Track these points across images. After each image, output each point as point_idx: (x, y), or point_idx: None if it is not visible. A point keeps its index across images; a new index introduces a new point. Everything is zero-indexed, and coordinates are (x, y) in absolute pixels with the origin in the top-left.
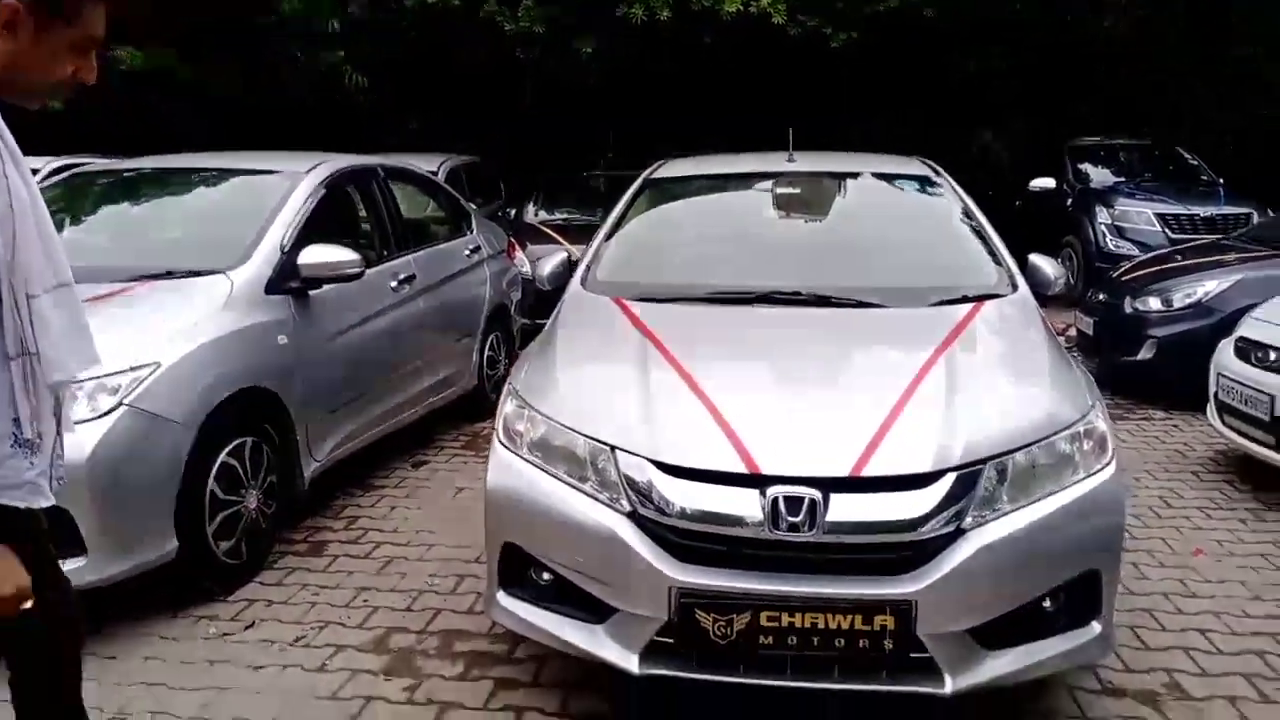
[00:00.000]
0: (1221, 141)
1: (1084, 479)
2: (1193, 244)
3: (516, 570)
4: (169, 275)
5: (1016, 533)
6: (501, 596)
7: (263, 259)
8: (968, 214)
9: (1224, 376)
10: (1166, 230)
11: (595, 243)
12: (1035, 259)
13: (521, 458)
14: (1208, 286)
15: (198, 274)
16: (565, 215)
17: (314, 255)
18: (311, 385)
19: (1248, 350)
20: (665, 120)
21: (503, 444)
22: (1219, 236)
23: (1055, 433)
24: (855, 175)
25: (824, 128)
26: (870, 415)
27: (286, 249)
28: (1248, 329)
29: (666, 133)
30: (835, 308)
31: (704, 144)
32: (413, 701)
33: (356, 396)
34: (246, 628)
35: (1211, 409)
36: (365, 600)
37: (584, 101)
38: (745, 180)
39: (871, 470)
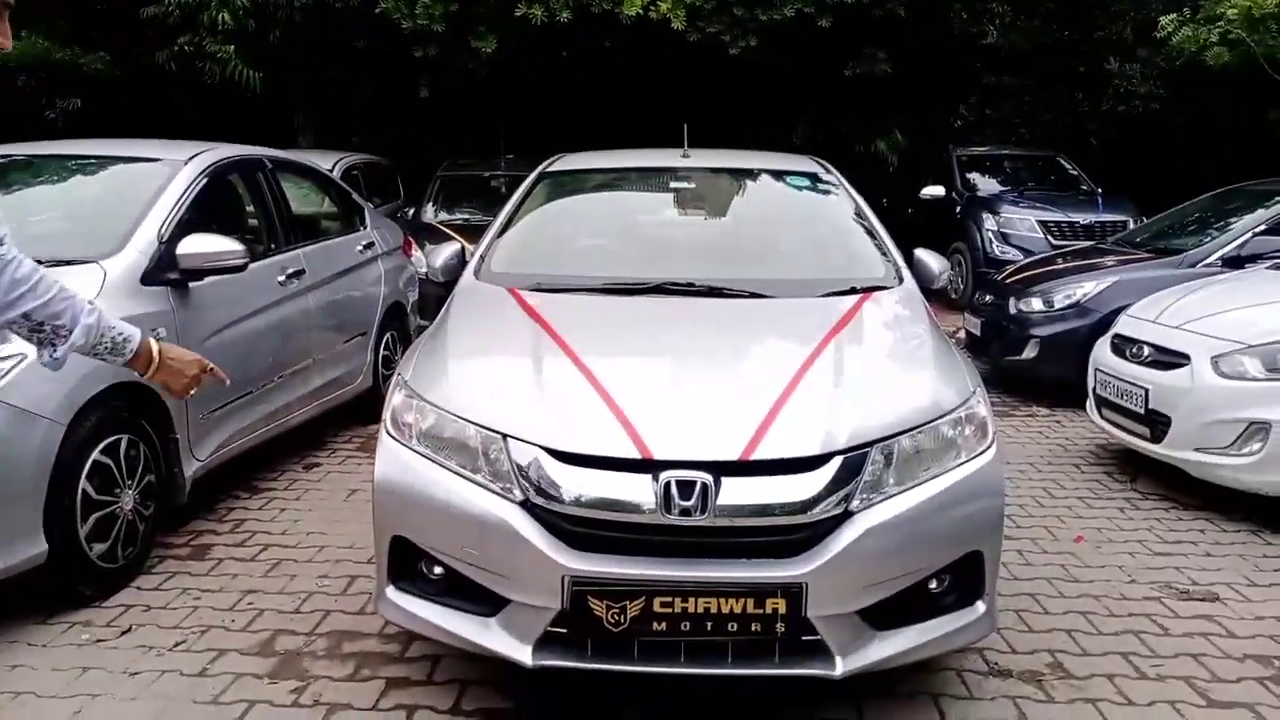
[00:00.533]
0: (1088, 143)
1: (966, 462)
2: (1072, 248)
3: (406, 564)
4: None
5: (902, 514)
6: (391, 591)
7: (139, 249)
8: (858, 211)
9: (1101, 372)
10: (1049, 236)
11: (489, 235)
12: (920, 254)
13: (410, 449)
14: (1086, 288)
15: (68, 263)
16: (465, 215)
17: (194, 245)
18: None
19: (1123, 346)
20: (563, 118)
21: (391, 435)
22: (1097, 241)
23: (938, 418)
24: (749, 171)
25: (720, 129)
26: (759, 401)
27: (165, 239)
28: (1123, 326)
29: (564, 130)
30: (727, 298)
31: (601, 142)
32: (299, 704)
33: (242, 395)
34: (122, 633)
35: (1090, 404)
36: (251, 603)
37: (482, 99)
38: (640, 174)
39: (761, 454)
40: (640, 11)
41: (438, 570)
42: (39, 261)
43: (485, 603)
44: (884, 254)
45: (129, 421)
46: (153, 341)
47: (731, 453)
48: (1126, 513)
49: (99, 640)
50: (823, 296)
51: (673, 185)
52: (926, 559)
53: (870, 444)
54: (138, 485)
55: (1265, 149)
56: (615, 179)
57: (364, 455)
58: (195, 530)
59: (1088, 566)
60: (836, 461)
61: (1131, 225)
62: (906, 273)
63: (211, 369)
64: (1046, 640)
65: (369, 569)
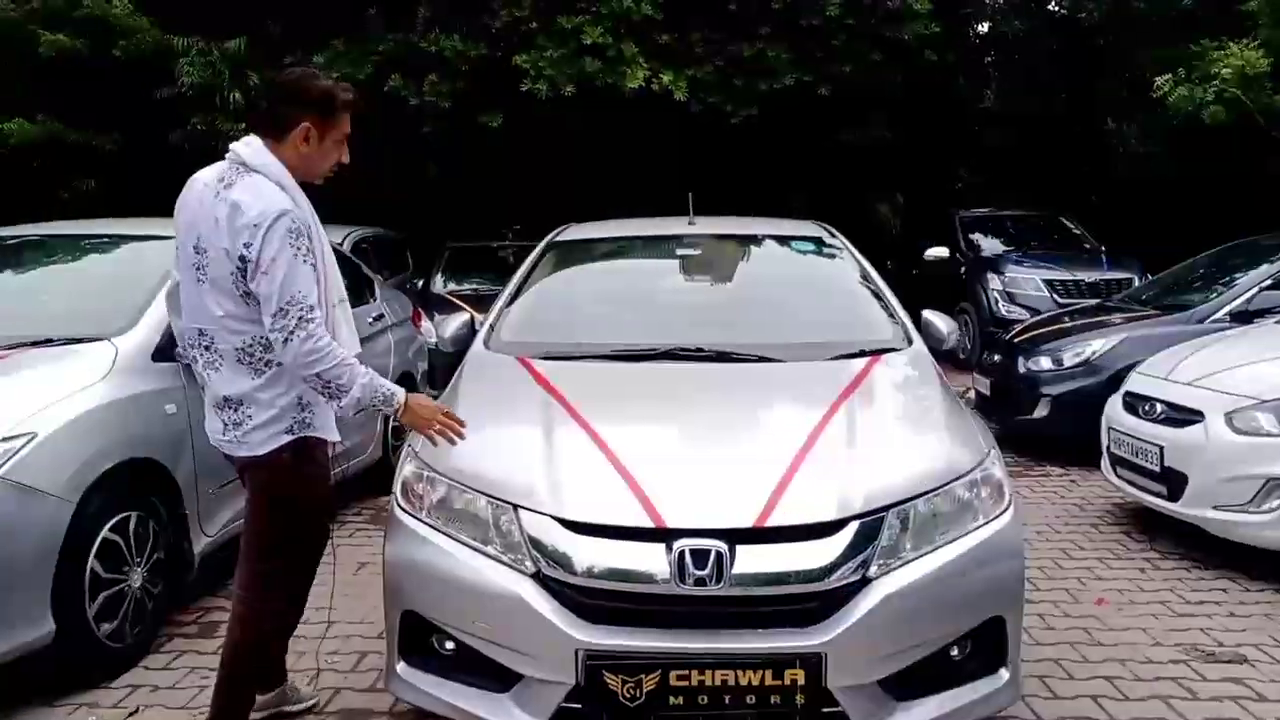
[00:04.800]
0: (1089, 201)
1: (984, 525)
2: (1079, 307)
3: (417, 639)
4: (49, 342)
5: (921, 580)
6: (401, 668)
7: (150, 325)
8: (863, 274)
9: (1115, 430)
10: (1054, 295)
11: (499, 304)
12: (929, 315)
13: (421, 521)
14: (1095, 345)
15: (80, 340)
16: (473, 285)
17: None
18: (203, 457)
19: (1135, 404)
20: (570, 189)
21: (401, 508)
22: (1103, 299)
23: (953, 480)
24: (754, 237)
25: (723, 196)
26: (773, 466)
27: None
28: (1134, 384)
29: (571, 201)
30: (736, 363)
31: (607, 212)
32: None
33: None
34: (129, 715)
35: (1105, 462)
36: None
37: (488, 173)
38: (648, 242)
39: (776, 520)
40: (642, 84)
41: (449, 645)
42: (50, 339)
43: (498, 678)
44: (891, 316)
45: (139, 498)
46: (405, 395)
47: (746, 520)
48: (1147, 573)
49: None
50: (832, 360)
51: (679, 252)
52: (948, 625)
53: (886, 508)
54: (146, 562)
55: (1266, 203)
56: (622, 247)
57: (374, 528)
58: (204, 607)
59: (1111, 629)
60: (853, 526)
61: (1137, 282)
62: (915, 334)
63: (449, 413)
64: (1073, 707)
65: (379, 644)
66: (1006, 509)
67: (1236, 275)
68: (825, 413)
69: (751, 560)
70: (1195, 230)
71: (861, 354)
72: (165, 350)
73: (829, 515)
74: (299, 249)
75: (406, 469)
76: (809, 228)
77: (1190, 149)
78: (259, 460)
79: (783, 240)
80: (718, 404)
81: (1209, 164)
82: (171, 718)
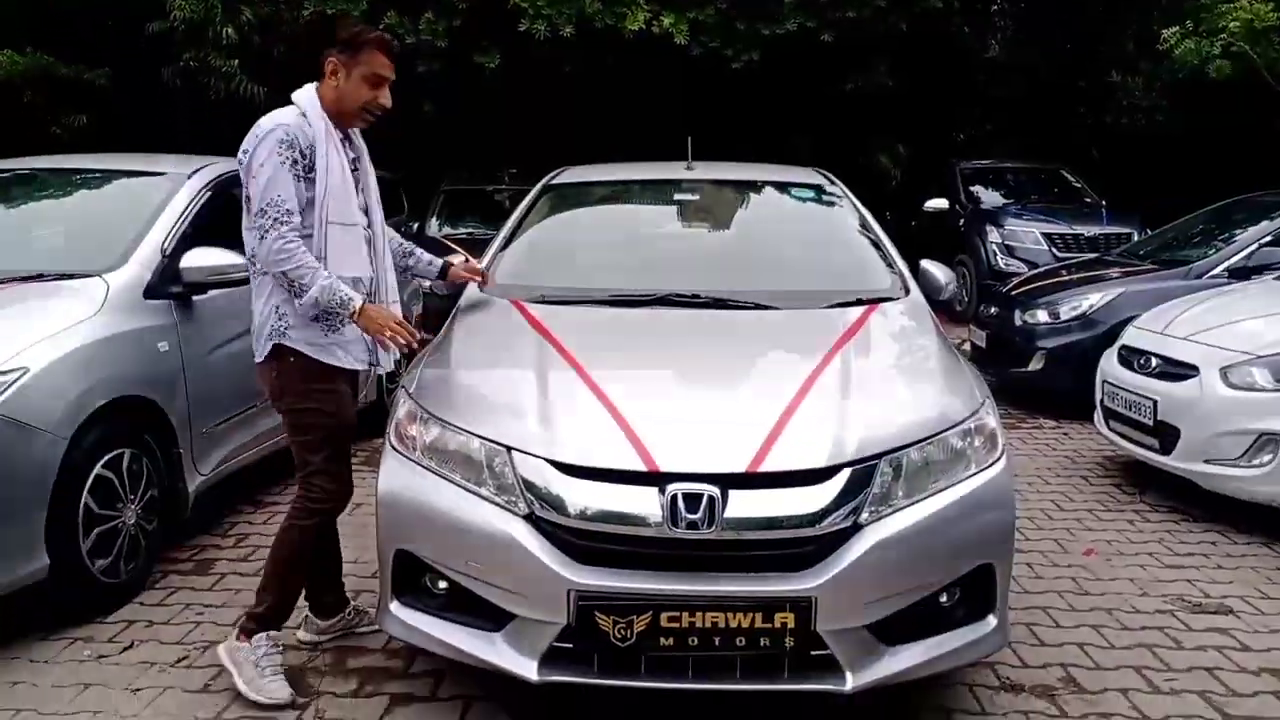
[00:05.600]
0: (1090, 156)
1: (975, 474)
2: (1077, 260)
3: (410, 578)
4: (40, 277)
5: (912, 527)
6: (395, 606)
7: (142, 262)
8: (863, 223)
9: (1109, 383)
10: (1053, 249)
11: (493, 248)
12: (926, 265)
13: (415, 462)
14: (1092, 299)
15: (71, 276)
16: (469, 229)
17: (197, 259)
18: (197, 395)
19: (1130, 358)
20: (567, 132)
21: (395, 448)
22: (1102, 253)
23: (947, 429)
24: (753, 184)
25: (723, 143)
26: (766, 412)
27: (168, 252)
28: (1130, 338)
29: (568, 145)
30: (733, 310)
31: (605, 156)
32: None
33: (246, 408)
34: (125, 649)
35: (1099, 415)
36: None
37: (485, 114)
38: (645, 187)
39: (768, 466)
40: (642, 26)
41: (442, 585)
42: (41, 274)
43: (490, 618)
44: (890, 266)
45: (132, 436)
46: (362, 301)
47: (739, 465)
48: (1137, 525)
49: (101, 656)
50: (829, 308)
51: (677, 198)
52: (937, 572)
53: (879, 455)
54: (140, 500)
55: (1268, 160)
56: (619, 192)
57: (368, 469)
58: (199, 545)
59: (1099, 580)
60: (845, 473)
61: (1136, 237)
62: (913, 284)
63: (401, 321)
64: (1058, 654)
65: (372, 583)
66: (999, 459)
67: (1236, 231)
68: (820, 360)
69: (743, 505)
70: (1196, 186)
71: (859, 303)
72: (156, 288)
73: (821, 462)
74: (286, 159)
75: (400, 410)
76: (809, 175)
77: (1194, 103)
78: (260, 369)
79: (782, 187)
80: (713, 350)
81: (1213, 118)
82: (167, 652)
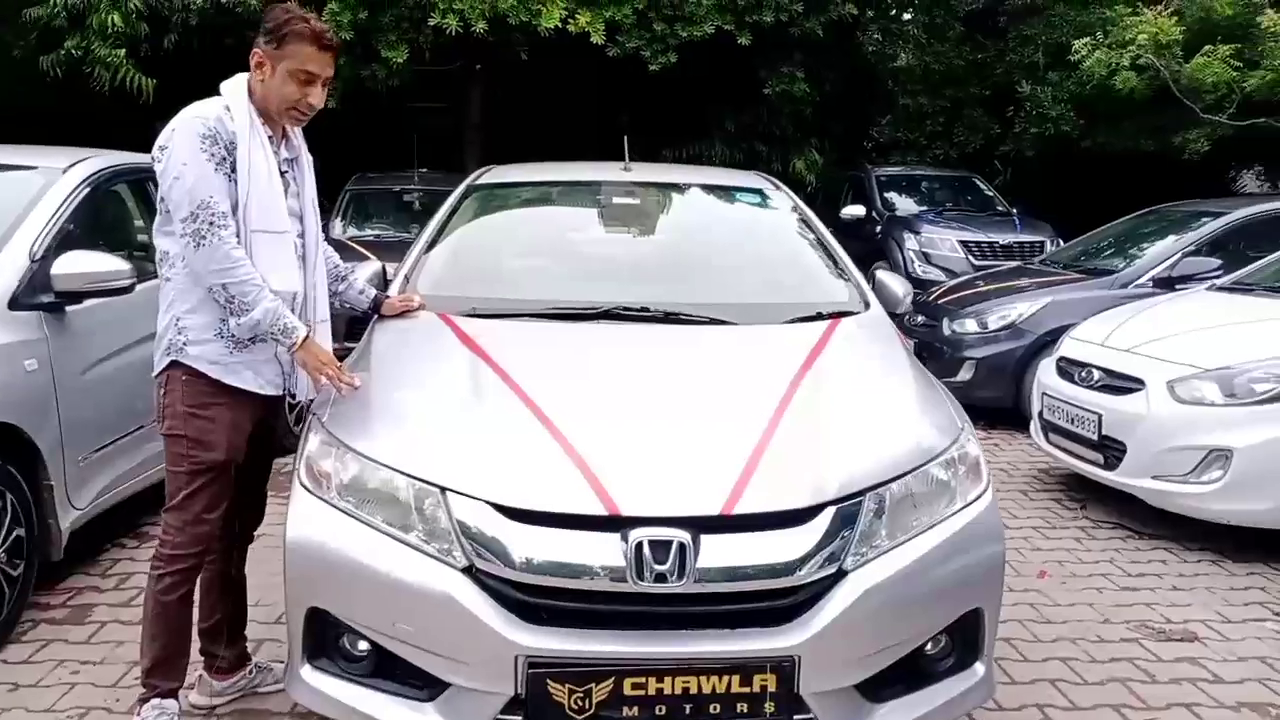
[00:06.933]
0: (995, 167)
1: (962, 509)
2: (999, 269)
3: (325, 639)
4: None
5: (901, 571)
6: (306, 671)
7: (6, 268)
8: (810, 229)
9: (1049, 395)
10: (970, 256)
11: (414, 253)
12: (883, 276)
13: (329, 504)
14: (1020, 309)
15: None
16: (376, 231)
17: (71, 264)
18: (71, 420)
19: (1070, 370)
20: (483, 131)
21: (305, 488)
22: (1021, 262)
23: (929, 460)
24: (695, 186)
25: (643, 147)
26: (738, 445)
27: (38, 256)
28: (1068, 349)
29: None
30: (685, 325)
31: (521, 156)
32: None
33: (129, 432)
34: None
35: (1036, 428)
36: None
37: (394, 110)
38: (580, 189)
39: (745, 507)
40: (558, 25)
41: (363, 646)
42: None
43: (422, 684)
44: (845, 276)
45: None
46: (305, 333)
47: (712, 507)
48: (1084, 543)
49: None
50: (789, 323)
51: (616, 200)
52: (929, 620)
53: (862, 492)
54: (3, 542)
55: (1172, 171)
56: (552, 193)
57: (272, 492)
58: (74, 587)
59: (1057, 605)
60: (829, 513)
61: (1049, 246)
62: (872, 296)
63: (340, 374)
64: (1033, 694)
65: (279, 630)
66: (985, 490)
67: (1153, 241)
68: (789, 384)
69: (717, 552)
70: (1104, 199)
71: (819, 317)
72: (24, 297)
73: (804, 501)
74: (211, 155)
75: (312, 442)
76: (751, 179)
77: (1102, 116)
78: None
79: (725, 191)
80: (670, 372)
81: (1119, 131)
82: None
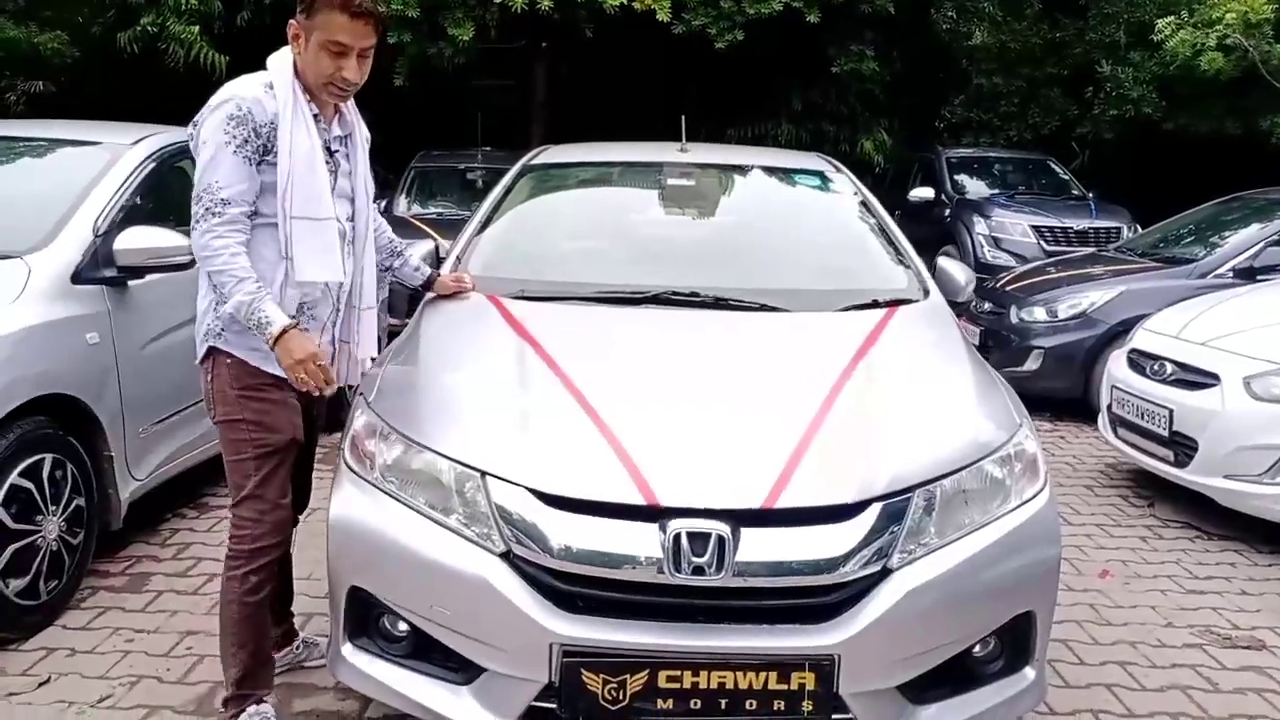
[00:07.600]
0: (1072, 149)
1: (1017, 508)
2: (1071, 256)
3: (366, 619)
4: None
5: (949, 572)
6: (348, 650)
7: (71, 243)
8: (871, 213)
9: (1118, 389)
10: (1041, 242)
11: (466, 233)
12: (944, 263)
13: (373, 484)
14: (1092, 298)
15: None
16: (439, 209)
17: (134, 239)
18: (131, 392)
19: (1142, 362)
20: (549, 110)
21: (350, 466)
22: (1096, 249)
23: (984, 456)
24: (752, 168)
25: (706, 127)
26: (783, 437)
27: (101, 231)
28: (1141, 341)
29: (545, 122)
30: (736, 311)
31: (583, 135)
32: None
33: (189, 405)
34: (40, 684)
35: (1104, 421)
36: (190, 648)
37: (460, 89)
38: (634, 170)
39: (787, 501)
40: (624, 2)
41: (403, 627)
42: None
43: (459, 667)
44: (905, 263)
45: (55, 440)
46: (281, 328)
47: (753, 500)
48: (1150, 543)
49: (10, 694)
50: (843, 310)
51: (670, 182)
52: (977, 623)
53: (912, 488)
54: (64, 511)
55: (1257, 156)
56: (606, 174)
57: (325, 468)
58: (134, 555)
59: (1119, 607)
60: (875, 509)
61: (1125, 232)
62: (932, 284)
63: (322, 365)
64: (1087, 698)
65: (326, 605)
66: (1042, 489)
67: (1235, 230)
68: (840, 374)
69: (757, 547)
70: (1185, 184)
71: (875, 305)
72: (86, 271)
73: (849, 497)
74: (233, 137)
75: (357, 422)
76: (811, 160)
77: (1185, 98)
78: (200, 373)
79: (783, 173)
80: (717, 360)
81: (1203, 114)
82: (88, 689)
